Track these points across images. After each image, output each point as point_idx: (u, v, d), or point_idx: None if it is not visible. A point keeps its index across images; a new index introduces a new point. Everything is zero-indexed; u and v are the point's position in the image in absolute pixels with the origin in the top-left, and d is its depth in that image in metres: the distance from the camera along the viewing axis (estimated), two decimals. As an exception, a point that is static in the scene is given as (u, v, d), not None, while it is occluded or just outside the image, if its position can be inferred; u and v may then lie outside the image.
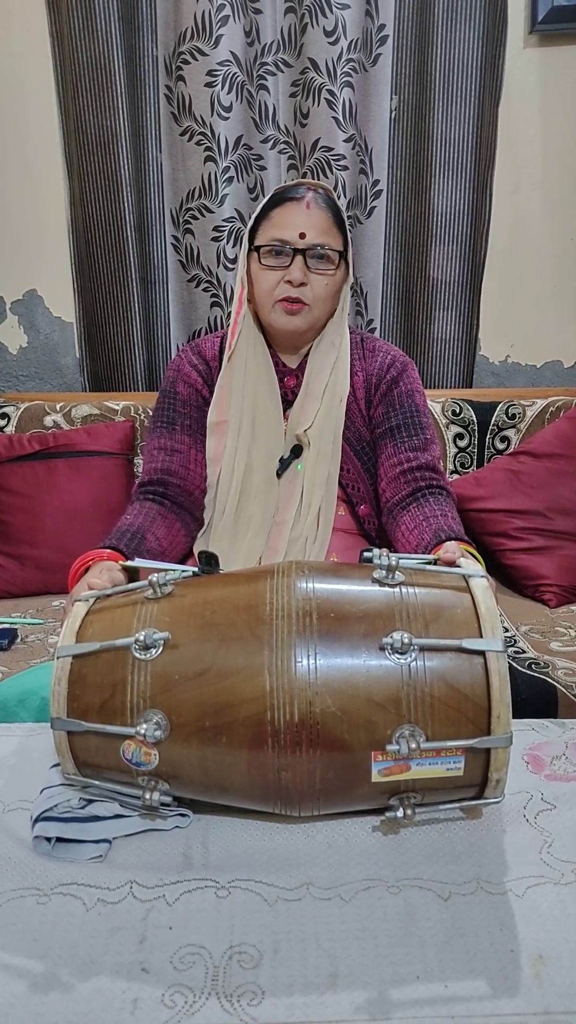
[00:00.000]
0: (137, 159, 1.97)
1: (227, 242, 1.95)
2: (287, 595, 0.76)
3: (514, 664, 1.34)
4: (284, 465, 1.26)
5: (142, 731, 0.71)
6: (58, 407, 1.91)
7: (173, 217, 1.99)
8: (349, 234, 1.26)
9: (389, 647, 0.72)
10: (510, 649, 1.41)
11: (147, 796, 0.75)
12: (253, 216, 1.25)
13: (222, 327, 1.30)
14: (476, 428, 1.88)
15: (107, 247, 2.01)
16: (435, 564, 0.86)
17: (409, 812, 0.73)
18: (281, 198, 1.22)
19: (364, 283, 2.00)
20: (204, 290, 2.01)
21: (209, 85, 1.85)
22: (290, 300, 1.20)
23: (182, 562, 1.22)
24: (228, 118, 1.89)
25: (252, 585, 0.79)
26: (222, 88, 1.86)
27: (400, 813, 0.73)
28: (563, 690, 1.27)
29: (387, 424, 1.27)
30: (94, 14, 1.87)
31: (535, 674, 1.32)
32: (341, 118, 1.87)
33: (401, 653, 0.72)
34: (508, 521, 1.72)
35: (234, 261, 1.95)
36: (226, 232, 1.95)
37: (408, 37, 1.89)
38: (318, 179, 1.92)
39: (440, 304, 2.03)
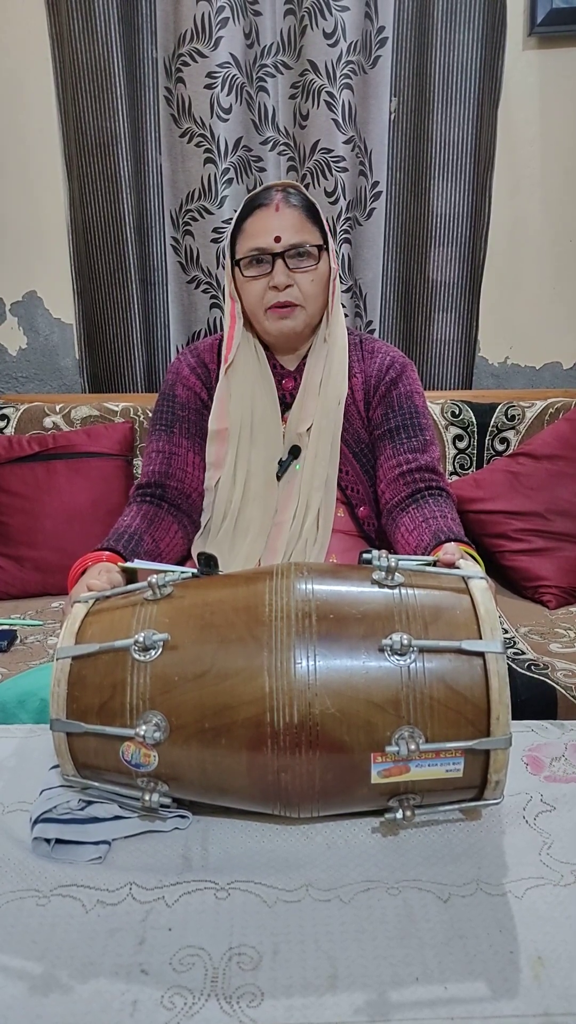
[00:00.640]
0: (137, 161, 1.97)
1: (225, 247, 1.95)
2: (286, 596, 0.76)
3: (513, 666, 1.34)
4: (283, 467, 1.26)
5: (141, 732, 0.71)
6: (57, 408, 1.92)
7: (173, 219, 1.99)
8: (339, 235, 1.26)
9: (388, 648, 0.72)
10: (509, 651, 1.41)
11: (146, 797, 0.75)
12: (229, 231, 1.25)
13: (221, 329, 1.30)
14: (475, 429, 1.88)
15: (107, 249, 2.01)
16: (434, 566, 0.86)
17: (408, 813, 0.73)
18: (251, 207, 1.22)
19: (363, 284, 2.00)
20: (204, 291, 2.01)
21: (209, 87, 1.86)
22: (279, 305, 1.20)
23: (179, 564, 1.22)
24: (228, 120, 1.89)
25: (251, 586, 0.79)
26: (222, 90, 1.86)
27: (399, 815, 0.73)
28: (562, 691, 1.27)
29: (386, 425, 1.27)
30: (94, 16, 1.87)
31: (534, 676, 1.31)
32: (340, 120, 1.88)
33: (400, 654, 0.72)
34: (507, 522, 1.72)
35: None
36: (224, 234, 1.95)
37: (407, 39, 1.89)
38: (317, 181, 1.92)
39: (439, 305, 2.03)
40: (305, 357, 1.29)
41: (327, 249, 1.23)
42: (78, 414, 1.90)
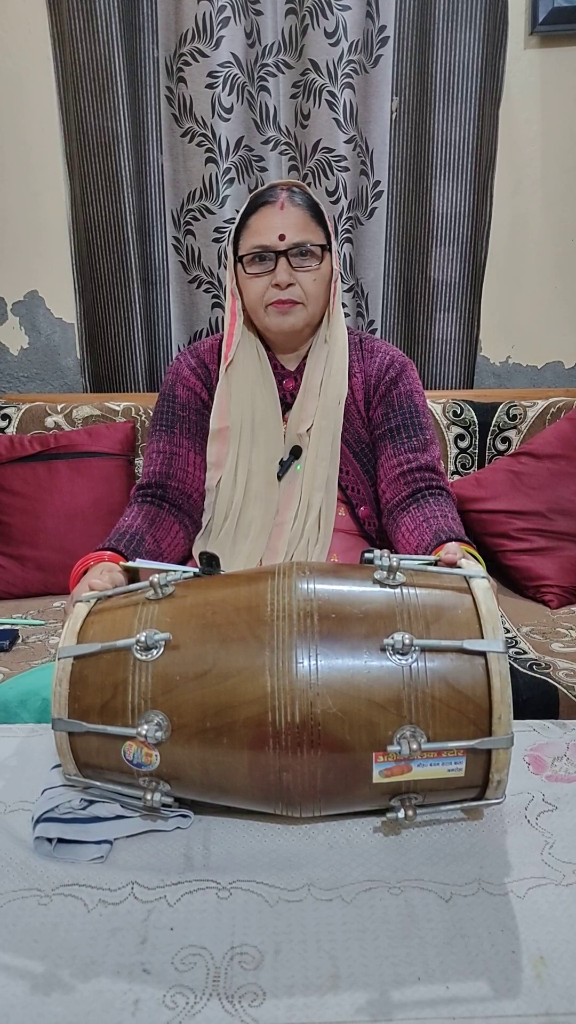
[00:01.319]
0: (138, 160, 1.97)
1: (228, 243, 1.95)
2: (288, 596, 0.76)
3: (515, 665, 1.34)
4: (284, 467, 1.26)
5: (143, 732, 0.71)
6: (59, 408, 1.92)
7: (174, 218, 1.99)
8: (340, 235, 1.26)
9: (390, 648, 0.72)
10: (511, 650, 1.41)
11: (148, 797, 0.75)
12: (233, 227, 1.25)
13: (222, 328, 1.31)
14: (477, 429, 1.88)
15: (108, 248, 2.01)
16: (436, 565, 0.86)
17: (410, 813, 0.73)
18: (256, 204, 1.22)
19: (365, 284, 2.00)
20: (205, 291, 2.01)
21: (210, 86, 1.86)
22: (281, 301, 1.20)
23: (181, 564, 1.22)
24: (229, 119, 1.89)
25: (253, 586, 0.79)
26: (223, 89, 1.86)
27: (401, 814, 0.73)
28: (564, 691, 1.27)
29: (386, 425, 1.26)
30: (95, 15, 1.87)
31: (536, 675, 1.31)
32: (342, 119, 1.88)
33: (402, 654, 0.72)
34: (509, 522, 1.72)
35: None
36: (227, 233, 1.95)
37: (409, 38, 1.89)
38: (319, 180, 1.92)
39: (441, 305, 2.03)
40: (305, 357, 1.29)
41: (330, 250, 1.23)
42: (79, 414, 1.90)
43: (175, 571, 0.84)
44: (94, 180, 1.98)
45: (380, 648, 0.73)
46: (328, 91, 1.85)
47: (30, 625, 1.57)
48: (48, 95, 1.98)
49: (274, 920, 0.67)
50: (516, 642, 1.46)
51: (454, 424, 1.88)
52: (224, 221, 1.94)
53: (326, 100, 1.86)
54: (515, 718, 0.73)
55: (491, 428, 1.88)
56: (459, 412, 1.88)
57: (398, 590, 0.78)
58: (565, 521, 1.71)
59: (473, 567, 0.86)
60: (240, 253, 1.23)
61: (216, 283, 2.00)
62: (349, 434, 1.28)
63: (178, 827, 0.79)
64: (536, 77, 1.95)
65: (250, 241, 1.21)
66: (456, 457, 1.89)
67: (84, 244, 2.03)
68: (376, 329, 2.03)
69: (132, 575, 1.02)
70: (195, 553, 1.27)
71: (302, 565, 0.81)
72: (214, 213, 1.94)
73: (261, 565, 1.23)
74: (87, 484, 1.79)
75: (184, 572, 0.84)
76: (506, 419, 1.88)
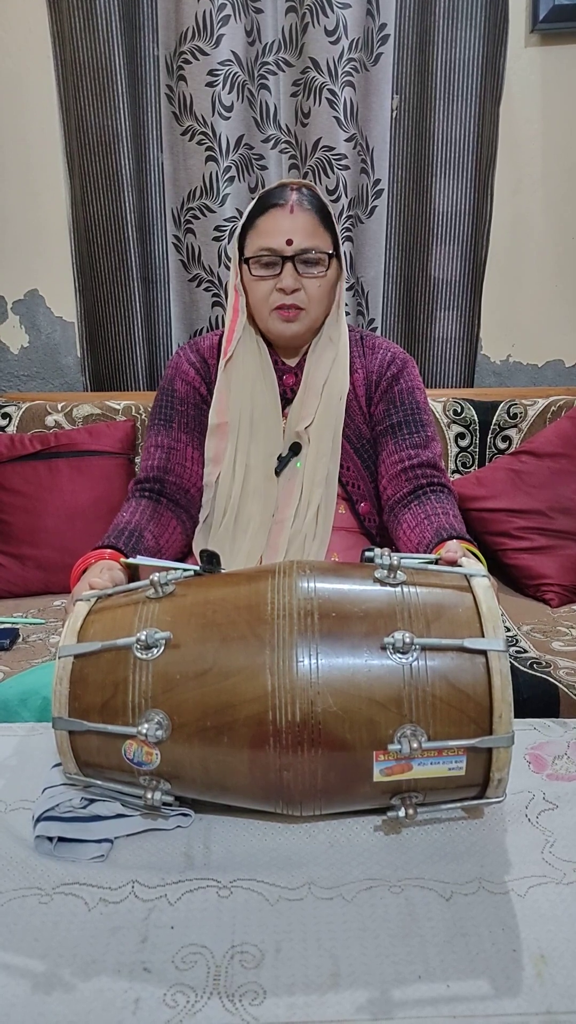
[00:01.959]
0: (138, 159, 1.97)
1: (228, 242, 1.95)
2: (288, 595, 0.76)
3: (516, 664, 1.34)
4: (283, 463, 1.26)
5: (144, 731, 0.71)
6: (59, 407, 1.92)
7: (174, 217, 1.99)
8: (341, 234, 1.25)
9: (391, 647, 0.72)
10: (512, 649, 1.41)
11: (149, 796, 0.75)
12: (240, 224, 1.25)
13: (223, 326, 1.31)
14: (477, 427, 1.88)
15: (108, 247, 2.01)
16: (436, 564, 0.86)
17: (411, 812, 0.73)
18: (266, 204, 1.21)
19: (365, 282, 2.00)
20: (205, 290, 2.01)
21: (210, 85, 1.85)
22: (285, 307, 1.20)
23: (179, 560, 1.22)
24: (229, 118, 1.89)
25: (253, 585, 0.79)
26: (223, 88, 1.86)
27: (402, 813, 0.73)
28: (565, 690, 1.27)
29: (388, 421, 1.26)
30: (95, 14, 1.87)
31: (537, 674, 1.31)
32: (342, 117, 1.87)
33: (403, 653, 0.72)
34: (510, 521, 1.72)
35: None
36: (227, 232, 1.95)
37: (409, 36, 1.88)
38: (319, 179, 1.92)
39: (441, 303, 2.03)
40: (306, 353, 1.29)
41: (337, 256, 1.23)
42: (80, 412, 1.90)
43: (175, 569, 0.84)
44: (94, 179, 1.97)
45: (381, 647, 0.73)
46: (328, 89, 1.85)
47: (30, 624, 1.57)
48: (48, 94, 1.98)
49: (275, 919, 0.67)
50: (517, 641, 1.46)
51: (454, 423, 1.88)
52: (224, 220, 1.94)
53: (326, 98, 1.86)
54: (516, 717, 0.73)
55: (492, 427, 1.88)
56: (460, 411, 1.88)
57: (399, 589, 0.78)
58: (566, 520, 1.71)
59: (474, 566, 0.86)
60: (246, 254, 1.22)
61: (216, 282, 2.00)
62: (350, 430, 1.28)
63: (179, 826, 0.79)
64: (537, 75, 1.94)
65: (257, 242, 1.21)
66: (456, 456, 1.88)
67: (84, 243, 2.03)
68: (376, 328, 2.03)
69: (132, 572, 1.02)
70: (195, 550, 1.27)
71: (303, 564, 0.81)
72: (214, 212, 1.94)
73: (261, 562, 1.23)
74: (87, 483, 1.79)
75: (184, 570, 0.84)
76: (507, 418, 1.88)
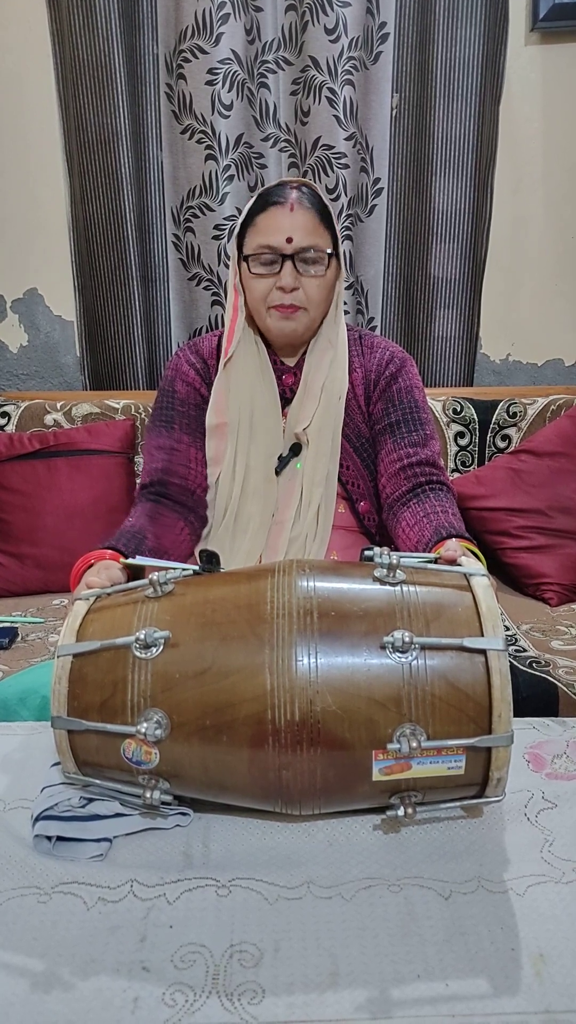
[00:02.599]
0: (138, 157, 1.97)
1: (228, 240, 1.95)
2: (288, 594, 0.76)
3: (515, 663, 1.34)
4: (283, 463, 1.25)
5: (143, 730, 0.71)
6: (58, 406, 1.91)
7: (174, 215, 1.99)
8: (341, 232, 1.25)
9: (390, 646, 0.72)
10: (511, 648, 1.41)
11: (148, 795, 0.75)
12: (239, 222, 1.25)
13: (222, 325, 1.31)
14: (477, 426, 1.88)
15: (108, 245, 2.01)
16: (436, 563, 0.86)
17: (410, 811, 0.73)
18: (266, 202, 1.21)
19: (365, 281, 2.00)
20: (205, 288, 2.01)
21: (210, 83, 1.85)
22: (284, 306, 1.20)
23: (186, 561, 1.22)
24: (229, 116, 1.88)
25: (253, 584, 0.79)
26: (223, 86, 1.86)
27: (401, 812, 0.73)
28: (564, 688, 1.27)
29: (386, 420, 1.26)
30: (94, 12, 1.87)
31: (536, 673, 1.31)
32: (342, 116, 1.87)
33: (402, 652, 0.72)
34: (509, 520, 1.72)
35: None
36: (227, 230, 1.95)
37: (409, 35, 1.88)
38: (319, 177, 1.92)
39: (441, 302, 2.03)
40: (305, 353, 1.29)
41: (337, 255, 1.23)
42: (79, 411, 1.90)
43: (175, 568, 0.84)
44: (94, 177, 1.97)
45: (380, 646, 0.72)
46: (328, 88, 1.85)
47: (29, 623, 1.57)
48: (48, 92, 1.98)
49: (274, 918, 0.67)
50: (516, 640, 1.46)
51: (454, 422, 1.87)
52: (224, 218, 1.94)
53: (326, 97, 1.86)
54: (515, 716, 0.73)
55: (491, 426, 1.88)
56: (459, 410, 1.88)
57: (398, 588, 0.78)
58: (565, 519, 1.71)
59: (473, 565, 0.86)
60: (245, 252, 1.22)
61: (216, 281, 2.00)
62: (349, 429, 1.28)
63: (178, 825, 0.79)
64: (537, 74, 1.94)
65: (256, 240, 1.20)
66: (456, 455, 1.88)
67: (84, 241, 2.03)
68: (376, 326, 2.03)
69: (135, 573, 1.01)
70: (195, 551, 1.27)
71: (302, 563, 0.81)
72: (214, 210, 1.94)
73: (261, 562, 1.23)
74: (87, 482, 1.79)
75: (184, 570, 0.84)
76: (506, 417, 1.88)
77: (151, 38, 1.90)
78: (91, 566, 1.00)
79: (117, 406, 1.91)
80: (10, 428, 1.90)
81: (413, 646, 0.72)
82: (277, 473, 1.26)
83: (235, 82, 1.87)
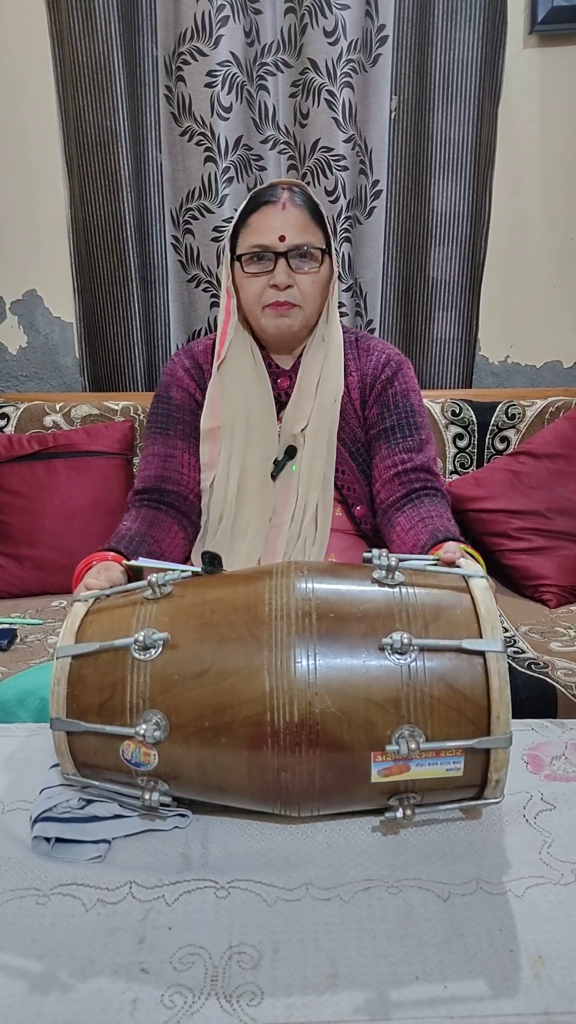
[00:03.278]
0: (137, 159, 1.97)
1: (226, 240, 1.95)
2: (286, 595, 0.76)
3: (514, 664, 1.34)
4: (279, 467, 1.25)
5: (141, 731, 0.71)
6: (58, 407, 1.91)
7: (173, 217, 1.99)
8: (339, 234, 1.25)
9: (389, 647, 0.72)
10: (510, 649, 1.41)
11: (146, 796, 0.75)
12: (232, 224, 1.25)
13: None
14: (476, 428, 1.88)
15: (107, 247, 2.01)
16: (435, 564, 0.86)
17: (409, 812, 0.73)
18: (257, 202, 1.21)
19: (364, 283, 2.00)
20: (204, 290, 2.01)
21: (209, 85, 1.86)
22: (279, 303, 1.19)
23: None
24: (228, 118, 1.89)
25: (251, 585, 0.79)
26: (222, 88, 1.86)
27: (400, 813, 0.73)
28: (562, 690, 1.27)
29: (382, 425, 1.26)
30: (94, 14, 1.87)
31: (535, 674, 1.31)
32: (341, 118, 1.88)
33: (401, 653, 0.72)
34: (508, 521, 1.72)
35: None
36: (228, 227, 1.95)
37: (408, 37, 1.89)
38: (318, 179, 1.92)
39: (440, 304, 2.03)
40: (300, 356, 1.28)
41: (329, 253, 1.23)
42: (78, 413, 1.90)
43: (174, 570, 0.84)
44: (93, 179, 1.97)
45: (379, 647, 0.73)
46: (327, 90, 1.85)
47: (28, 624, 1.57)
48: (47, 94, 1.98)
49: (272, 919, 0.67)
50: (515, 641, 1.46)
51: (453, 423, 1.88)
52: (223, 220, 1.94)
53: (325, 99, 1.86)
54: (513, 717, 0.74)
55: (490, 427, 1.88)
56: (458, 411, 1.88)
57: (397, 589, 0.78)
58: (564, 520, 1.71)
59: (472, 566, 0.86)
60: (238, 251, 1.22)
61: (215, 282, 2.00)
62: (345, 433, 1.27)
63: (176, 827, 0.79)
64: (535, 76, 1.95)
65: (249, 240, 1.21)
66: (455, 457, 1.89)
67: (83, 243, 2.03)
68: (375, 329, 2.03)
69: (135, 575, 1.01)
70: (194, 555, 1.27)
71: (300, 564, 0.81)
72: (213, 212, 1.94)
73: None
74: (86, 483, 1.78)
75: (183, 571, 0.84)
76: (505, 418, 1.88)
77: (150, 40, 1.90)
78: (92, 567, 1.00)
79: (116, 408, 1.91)
80: (9, 429, 1.90)
81: (412, 648, 0.72)
82: (273, 477, 1.26)
83: (234, 84, 1.87)
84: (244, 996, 0.60)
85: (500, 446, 1.88)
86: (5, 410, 1.92)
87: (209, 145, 1.89)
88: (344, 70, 1.85)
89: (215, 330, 1.97)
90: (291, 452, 1.25)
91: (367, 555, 0.81)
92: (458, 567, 0.85)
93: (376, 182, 1.93)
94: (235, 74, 1.87)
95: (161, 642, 0.75)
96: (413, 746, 0.69)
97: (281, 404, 1.28)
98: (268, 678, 0.72)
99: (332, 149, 1.89)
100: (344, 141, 1.89)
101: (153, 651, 0.75)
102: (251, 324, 1.25)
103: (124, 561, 1.02)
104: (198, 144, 1.90)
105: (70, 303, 2.11)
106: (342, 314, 1.87)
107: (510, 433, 1.88)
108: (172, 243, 2.01)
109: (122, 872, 0.73)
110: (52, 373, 2.17)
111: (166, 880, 0.72)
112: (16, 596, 1.75)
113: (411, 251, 2.01)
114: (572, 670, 1.34)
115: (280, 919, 0.67)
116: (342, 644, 0.73)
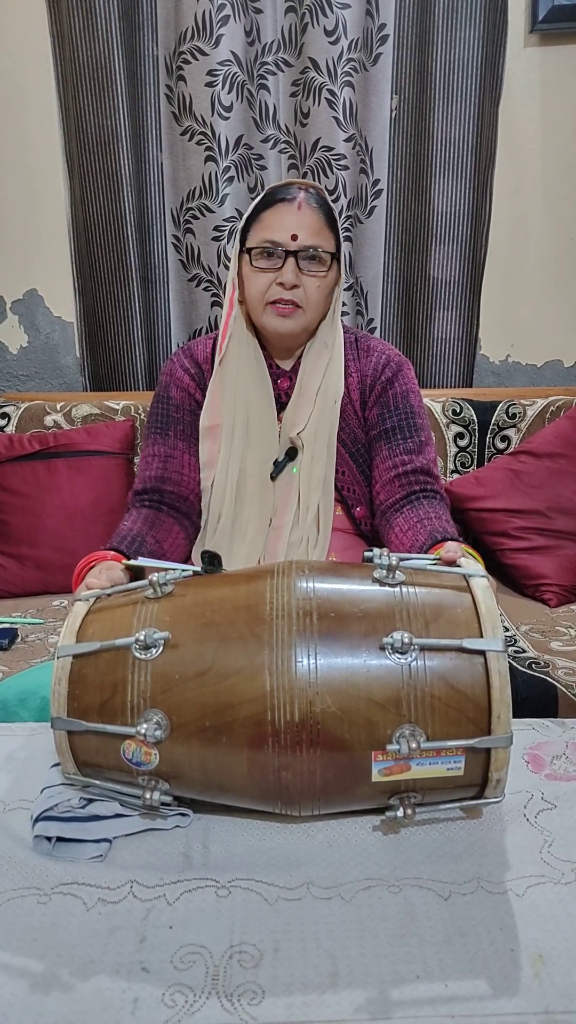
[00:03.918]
0: (137, 159, 1.97)
1: (228, 242, 1.95)
2: (287, 595, 0.76)
3: (514, 664, 1.34)
4: (278, 468, 1.25)
5: (142, 731, 0.71)
6: (58, 407, 1.91)
7: (174, 217, 1.99)
8: (341, 235, 1.25)
9: (389, 647, 0.72)
10: (510, 649, 1.41)
11: (147, 796, 0.75)
12: (244, 217, 1.24)
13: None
14: (476, 428, 1.88)
15: (108, 246, 2.01)
16: (436, 563, 0.86)
17: (409, 812, 0.73)
18: (273, 199, 1.21)
19: (364, 283, 2.00)
20: (205, 289, 2.01)
21: (210, 85, 1.85)
22: (282, 302, 1.19)
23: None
24: (228, 118, 1.89)
25: (252, 585, 0.79)
26: (222, 88, 1.86)
27: (400, 813, 0.73)
28: (563, 689, 1.27)
29: (382, 426, 1.26)
30: (94, 13, 1.87)
31: (535, 674, 1.32)
32: (341, 118, 1.87)
33: (401, 653, 0.72)
34: (508, 520, 1.72)
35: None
36: (227, 232, 1.95)
37: (408, 36, 1.88)
38: (318, 179, 1.92)
39: (440, 303, 2.03)
40: (300, 356, 1.28)
41: (338, 259, 1.23)
42: (79, 412, 1.90)
43: (176, 569, 0.84)
44: (93, 178, 1.97)
45: (379, 647, 0.73)
46: (328, 89, 1.85)
47: (29, 624, 1.57)
48: (48, 94, 1.98)
49: (273, 919, 0.67)
50: (515, 641, 1.46)
51: (453, 423, 1.88)
52: (223, 220, 1.94)
53: (326, 98, 1.86)
54: (514, 717, 0.73)
55: (490, 427, 1.88)
56: (458, 411, 1.88)
57: (397, 589, 0.78)
58: (564, 520, 1.71)
59: (472, 566, 0.86)
60: (249, 244, 1.21)
61: (216, 282, 2.00)
62: (345, 434, 1.27)
63: (177, 826, 0.79)
64: (536, 75, 1.95)
65: (261, 235, 1.20)
66: (455, 456, 1.88)
67: (83, 243, 2.03)
68: (375, 328, 2.03)
69: (136, 575, 1.01)
70: (194, 555, 1.27)
71: (301, 564, 0.81)
72: (213, 212, 1.94)
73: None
74: (86, 483, 1.79)
75: (184, 571, 0.84)
76: (505, 418, 1.88)
77: (151, 40, 1.90)
78: (93, 567, 1.00)
79: (117, 407, 1.91)
80: (10, 429, 1.90)
81: (412, 647, 0.72)
82: (273, 478, 1.25)
83: (235, 84, 1.87)
84: (245, 995, 0.60)
85: (501, 445, 1.88)
86: (6, 410, 1.92)
87: (210, 144, 1.89)
88: (345, 69, 1.85)
89: (216, 329, 1.97)
90: (291, 454, 1.25)
91: (368, 554, 0.81)
92: (459, 566, 0.85)
93: (376, 181, 1.93)
94: (235, 73, 1.87)
95: (162, 641, 0.75)
96: (414, 745, 0.69)
97: (281, 405, 1.27)
98: (269, 677, 0.72)
99: (332, 148, 1.89)
100: (345, 140, 1.89)
101: (154, 650, 0.75)
102: (253, 321, 1.25)
103: (125, 560, 1.02)
104: (199, 143, 1.90)
105: (71, 303, 2.11)
106: (343, 313, 1.87)
107: (511, 432, 1.88)
108: (173, 242, 2.01)
109: (123, 871, 0.73)
110: (53, 373, 2.17)
111: (167, 879, 0.72)
112: (17, 595, 1.75)
113: (412, 250, 2.01)
114: (573, 669, 1.34)
115: (281, 918, 0.67)
116: (343, 643, 0.73)
